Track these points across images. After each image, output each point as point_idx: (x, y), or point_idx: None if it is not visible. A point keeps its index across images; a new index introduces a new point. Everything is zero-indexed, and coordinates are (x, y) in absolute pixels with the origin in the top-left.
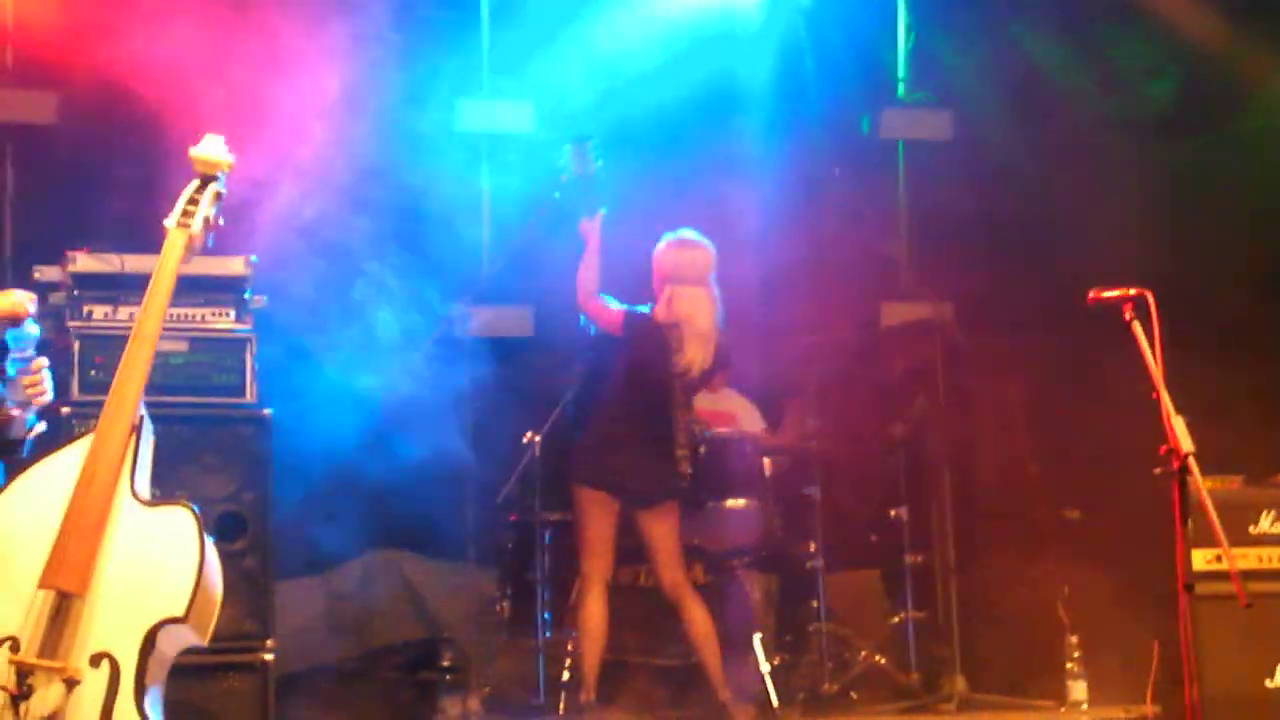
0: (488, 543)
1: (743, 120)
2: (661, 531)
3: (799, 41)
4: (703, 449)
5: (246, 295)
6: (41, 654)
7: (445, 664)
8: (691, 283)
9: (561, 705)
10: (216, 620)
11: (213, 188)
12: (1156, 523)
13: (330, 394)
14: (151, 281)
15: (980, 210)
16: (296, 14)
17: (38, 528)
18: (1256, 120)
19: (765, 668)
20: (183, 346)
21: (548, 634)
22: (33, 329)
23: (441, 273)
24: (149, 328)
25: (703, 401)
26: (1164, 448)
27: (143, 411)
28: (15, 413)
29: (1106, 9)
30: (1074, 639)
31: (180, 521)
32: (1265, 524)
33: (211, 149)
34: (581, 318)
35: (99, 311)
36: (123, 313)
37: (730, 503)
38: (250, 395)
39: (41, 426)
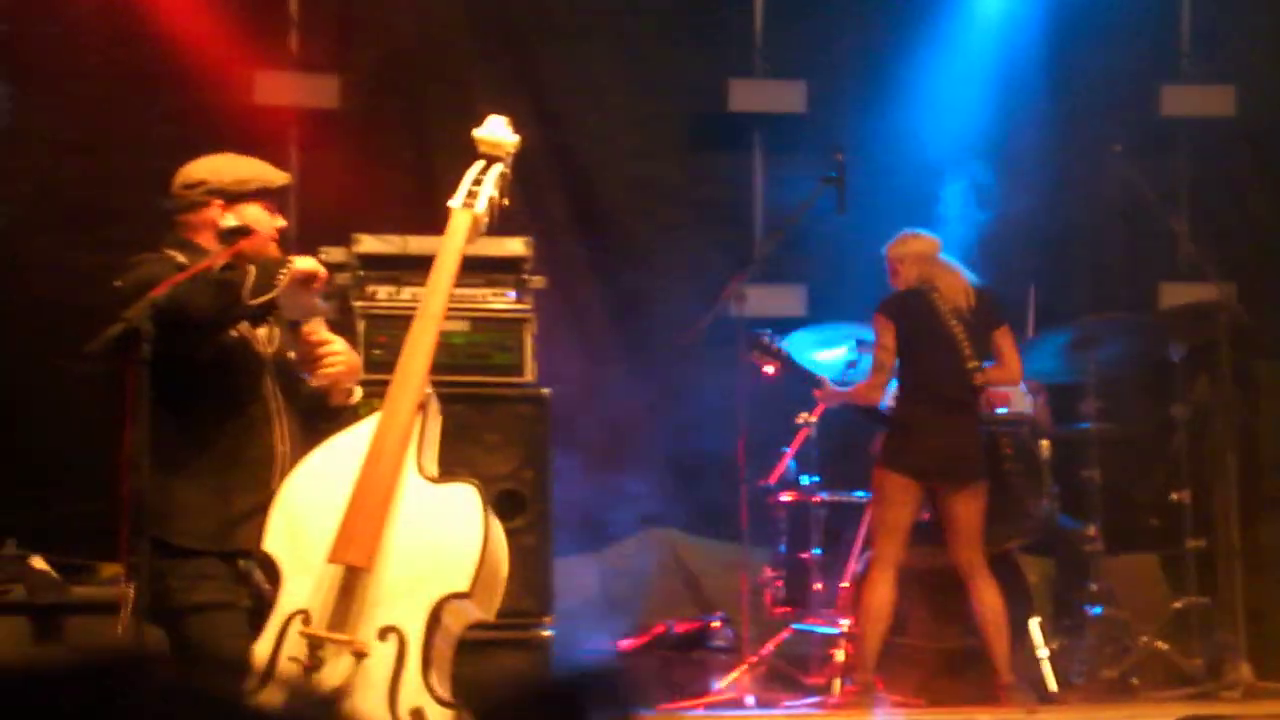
0: (761, 522)
1: (1017, 99)
2: (969, 511)
3: (1077, 19)
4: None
5: (525, 275)
6: (331, 627)
7: (719, 643)
8: (914, 260)
9: (837, 685)
10: (501, 596)
11: (497, 169)
12: None
13: (606, 374)
14: (437, 261)
15: (1264, 188)
16: None
17: (327, 504)
18: None
19: (1043, 653)
20: (464, 326)
21: (821, 614)
22: (324, 306)
23: (717, 252)
24: (435, 306)
25: None
26: None
27: (430, 390)
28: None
29: None
30: None
31: (465, 498)
32: None
33: (495, 130)
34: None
35: (383, 292)
36: (406, 293)
37: (1006, 485)
38: (529, 374)
39: (359, 393)
